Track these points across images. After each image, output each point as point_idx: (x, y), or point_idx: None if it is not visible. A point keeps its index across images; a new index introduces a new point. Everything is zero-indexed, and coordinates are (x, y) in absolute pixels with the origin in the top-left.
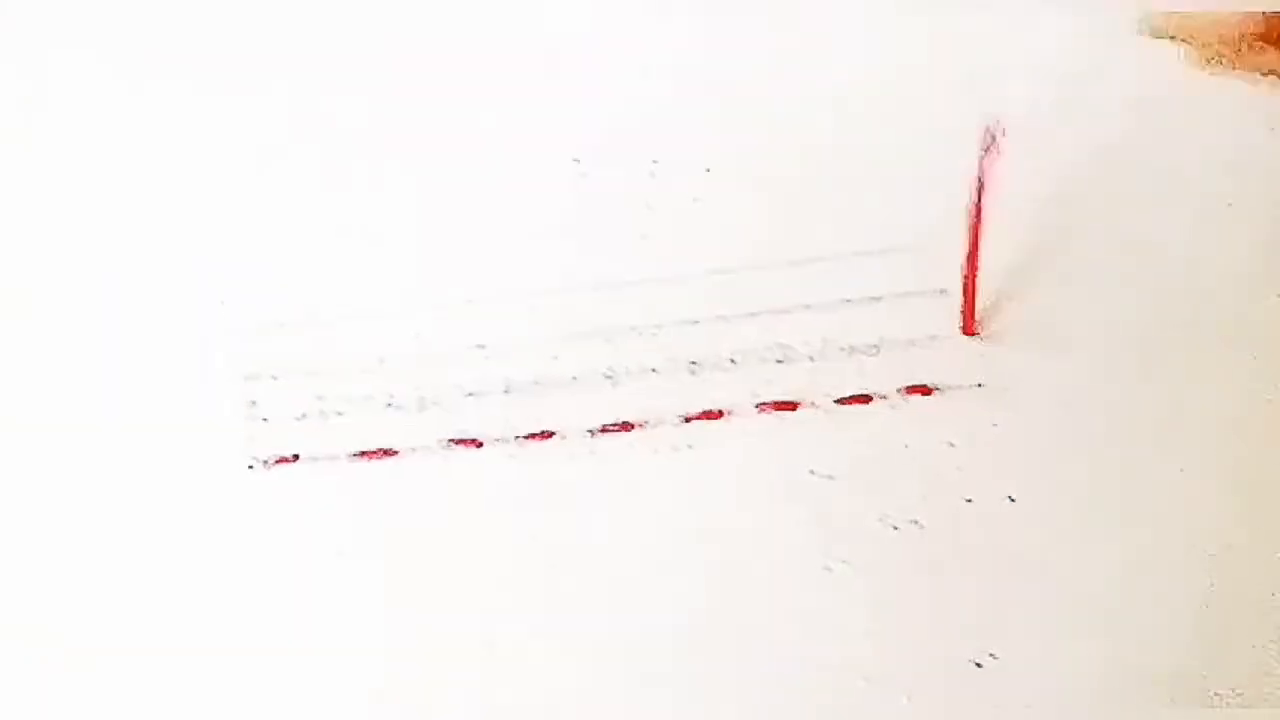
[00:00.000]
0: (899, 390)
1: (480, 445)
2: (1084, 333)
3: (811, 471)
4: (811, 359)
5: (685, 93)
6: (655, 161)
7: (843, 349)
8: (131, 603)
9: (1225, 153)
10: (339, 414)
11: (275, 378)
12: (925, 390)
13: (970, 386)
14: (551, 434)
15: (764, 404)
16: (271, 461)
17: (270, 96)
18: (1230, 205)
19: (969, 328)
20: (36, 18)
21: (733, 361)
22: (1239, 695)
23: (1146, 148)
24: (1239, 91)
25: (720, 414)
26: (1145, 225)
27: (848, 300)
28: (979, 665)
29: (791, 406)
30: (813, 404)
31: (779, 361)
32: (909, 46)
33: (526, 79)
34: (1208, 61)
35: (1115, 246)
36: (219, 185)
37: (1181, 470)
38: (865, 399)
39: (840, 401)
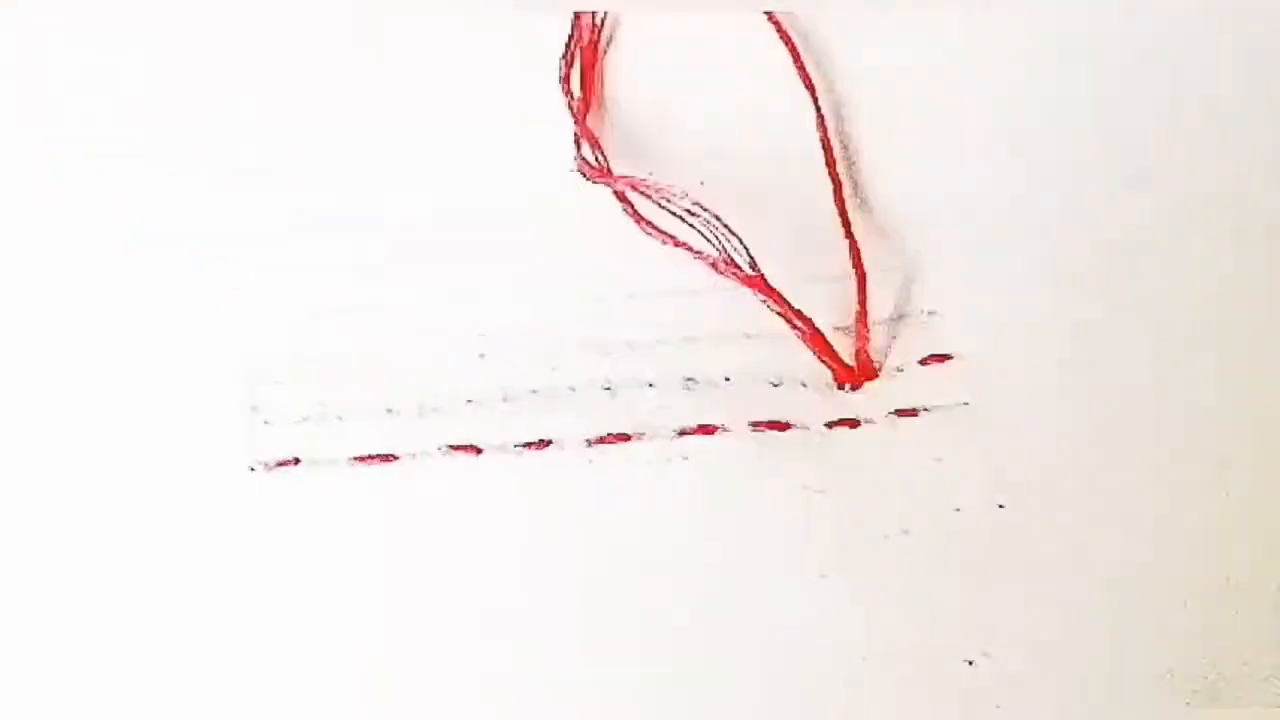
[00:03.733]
0: (887, 415)
1: (479, 452)
2: (1072, 344)
3: (804, 486)
4: (804, 385)
5: (681, 103)
6: (651, 173)
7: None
8: (130, 604)
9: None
10: (339, 418)
11: (277, 381)
12: (913, 413)
13: (956, 405)
14: (549, 443)
15: (757, 423)
16: (272, 464)
17: (269, 98)
18: (1213, 205)
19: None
20: (37, 19)
21: (727, 380)
22: (1237, 695)
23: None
24: None
25: (713, 430)
26: (1132, 234)
27: (836, 328)
28: (970, 663)
29: (783, 427)
30: (804, 427)
31: (774, 386)
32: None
33: (526, 82)
34: None
35: (1100, 255)
36: (220, 187)
37: (1178, 470)
38: (854, 424)
39: (830, 425)
